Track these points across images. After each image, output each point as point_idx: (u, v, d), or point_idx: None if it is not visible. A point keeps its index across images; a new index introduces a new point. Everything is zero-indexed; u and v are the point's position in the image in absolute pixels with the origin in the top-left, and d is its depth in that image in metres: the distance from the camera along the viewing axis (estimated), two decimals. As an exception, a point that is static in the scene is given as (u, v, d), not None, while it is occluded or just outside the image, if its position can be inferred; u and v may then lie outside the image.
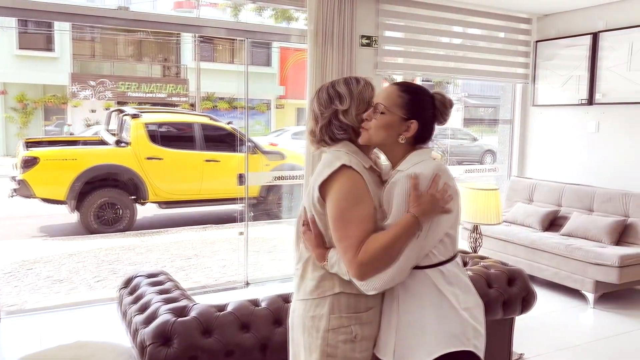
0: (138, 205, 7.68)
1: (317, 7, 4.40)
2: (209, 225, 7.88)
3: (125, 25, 4.17)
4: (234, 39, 4.54)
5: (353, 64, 4.64)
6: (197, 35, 16.87)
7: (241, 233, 4.76)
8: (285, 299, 2.29)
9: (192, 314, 2.10)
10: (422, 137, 1.63)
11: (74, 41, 17.66)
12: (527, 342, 3.60)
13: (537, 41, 5.67)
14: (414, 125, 1.60)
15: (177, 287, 2.47)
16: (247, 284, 4.79)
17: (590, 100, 5.17)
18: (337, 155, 1.63)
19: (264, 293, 2.42)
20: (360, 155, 1.67)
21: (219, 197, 7.83)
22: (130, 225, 7.48)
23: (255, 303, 2.26)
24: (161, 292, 2.34)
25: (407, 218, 1.50)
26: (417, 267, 1.56)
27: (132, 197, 7.57)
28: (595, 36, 5.11)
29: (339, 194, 1.57)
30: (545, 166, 5.69)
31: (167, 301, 2.23)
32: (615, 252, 4.25)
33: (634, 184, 4.83)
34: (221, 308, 2.18)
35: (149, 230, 7.52)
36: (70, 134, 14.80)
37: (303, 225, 1.70)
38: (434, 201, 1.51)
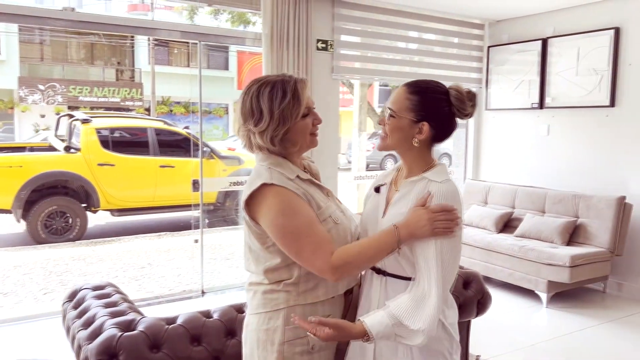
0: (90, 214, 7.42)
1: (271, 10, 4.35)
2: (164, 232, 7.69)
3: (72, 26, 4.00)
4: (188, 42, 4.42)
5: (309, 68, 4.61)
6: (151, 38, 16.52)
7: (196, 241, 4.64)
8: (239, 310, 2.21)
9: (140, 327, 2.00)
10: (438, 137, 1.54)
11: (22, 44, 17.00)
12: (484, 343, 3.63)
13: (489, 46, 5.78)
14: (425, 127, 1.50)
15: (125, 300, 2.35)
16: (203, 292, 4.67)
17: (541, 104, 5.30)
18: (258, 172, 1.55)
19: (219, 302, 2.34)
20: (284, 165, 1.57)
21: (174, 203, 7.65)
22: (82, 234, 7.21)
23: (206, 314, 2.17)
24: (107, 306, 2.23)
25: (391, 231, 1.45)
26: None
27: (83, 205, 7.31)
28: (544, 42, 5.24)
29: (271, 214, 1.50)
30: (499, 169, 5.80)
31: (113, 315, 2.11)
32: (567, 252, 4.35)
33: (583, 185, 4.98)
34: (171, 321, 2.09)
35: (101, 239, 7.27)
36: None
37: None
38: (440, 223, 1.42)
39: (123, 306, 2.23)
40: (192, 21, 13.88)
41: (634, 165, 4.66)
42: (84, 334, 2.04)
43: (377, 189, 1.65)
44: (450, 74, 5.68)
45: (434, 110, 1.51)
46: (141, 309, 4.31)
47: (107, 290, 2.43)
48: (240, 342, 2.10)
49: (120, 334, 1.95)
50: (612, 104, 4.76)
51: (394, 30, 5.30)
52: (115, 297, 2.34)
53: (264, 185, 1.50)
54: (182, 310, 2.26)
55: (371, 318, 1.43)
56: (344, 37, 4.99)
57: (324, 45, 4.83)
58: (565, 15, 5.11)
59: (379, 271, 1.57)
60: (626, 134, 4.71)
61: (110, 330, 1.97)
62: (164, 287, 5.24)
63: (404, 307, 1.41)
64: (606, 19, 4.78)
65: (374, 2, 4.99)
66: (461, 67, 5.79)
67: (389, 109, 1.55)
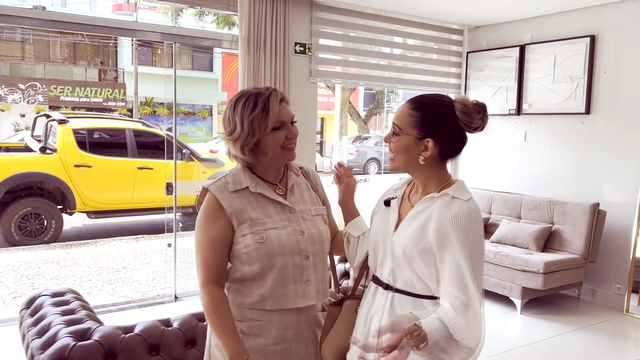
0: (66, 216, 7.30)
1: (249, 12, 4.31)
2: (142, 235, 7.59)
3: (41, 26, 3.93)
4: (170, 43, 4.39)
5: (287, 72, 4.57)
6: (135, 38, 16.37)
7: (170, 245, 4.57)
8: (200, 318, 2.17)
9: (95, 337, 1.95)
10: (447, 153, 1.46)
11: (3, 42, 16.75)
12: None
13: (468, 52, 5.80)
14: (430, 144, 1.43)
15: (84, 307, 2.29)
16: (176, 297, 4.60)
17: (518, 111, 5.32)
18: (214, 177, 1.72)
19: (191, 308, 2.30)
20: (239, 175, 1.61)
21: (153, 205, 7.54)
22: (57, 237, 7.09)
23: (166, 323, 2.12)
24: (64, 313, 2.17)
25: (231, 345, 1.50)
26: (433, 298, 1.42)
27: (59, 207, 7.19)
28: (522, 48, 5.27)
29: (198, 216, 1.62)
30: (476, 174, 5.81)
31: (69, 323, 2.06)
32: (541, 258, 4.36)
33: (559, 192, 5.00)
34: (128, 330, 2.04)
35: (77, 242, 7.15)
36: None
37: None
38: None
39: (81, 314, 2.17)
40: (175, 22, 13.78)
41: (607, 173, 4.69)
42: (37, 342, 1.98)
43: (387, 203, 1.59)
44: (429, 79, 5.68)
45: (439, 126, 1.44)
46: (111, 315, 4.26)
47: (67, 297, 2.37)
48: (199, 352, 2.06)
49: (74, 343, 1.89)
50: (588, 111, 4.79)
51: (372, 35, 5.28)
52: (74, 305, 2.28)
53: (204, 188, 1.62)
54: (152, 316, 2.23)
55: (427, 322, 1.28)
56: (322, 41, 4.97)
57: (302, 49, 4.80)
58: (542, 22, 5.14)
59: (386, 286, 1.49)
60: (601, 142, 4.74)
61: (63, 340, 1.91)
62: (138, 291, 5.16)
63: (452, 317, 1.29)
64: (582, 27, 4.82)
65: (352, 6, 4.98)
66: (440, 73, 5.79)
67: (394, 124, 1.49)
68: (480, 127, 1.46)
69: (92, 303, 4.49)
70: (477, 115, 1.44)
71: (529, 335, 4.07)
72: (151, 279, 5.55)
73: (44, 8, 3.80)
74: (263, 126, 1.55)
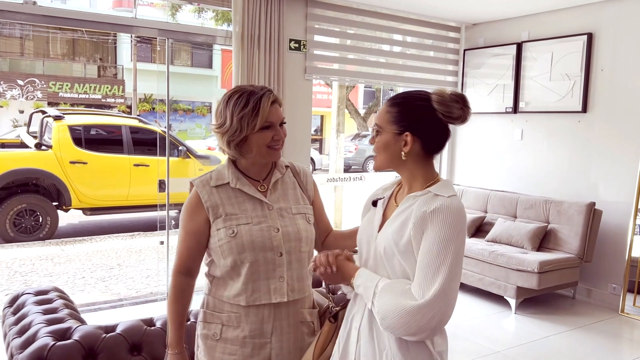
0: (62, 212, 7.28)
1: (242, 8, 4.27)
2: (137, 232, 7.56)
3: (34, 21, 3.88)
4: (163, 39, 4.35)
5: (281, 68, 4.54)
6: (133, 35, 16.32)
7: (162, 242, 4.54)
8: (184, 317, 2.13)
9: (75, 336, 1.91)
10: (429, 147, 1.43)
11: (2, 38, 16.72)
12: (450, 350, 3.57)
13: (465, 50, 5.76)
14: (409, 138, 1.41)
15: (68, 306, 2.26)
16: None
17: (515, 109, 5.28)
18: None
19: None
20: (222, 171, 1.68)
21: (148, 202, 7.51)
22: (52, 234, 7.06)
23: (149, 323, 2.09)
24: (46, 312, 2.13)
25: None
26: None
27: (54, 204, 7.16)
28: (519, 46, 5.22)
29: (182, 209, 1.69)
30: (473, 173, 5.78)
31: (50, 322, 2.02)
32: (536, 258, 4.33)
33: (555, 191, 4.97)
34: (110, 329, 2.00)
35: (72, 239, 7.13)
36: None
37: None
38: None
39: (62, 313, 2.14)
40: (174, 19, 13.73)
41: (603, 172, 4.65)
42: (17, 341, 1.95)
43: (374, 203, 1.57)
44: (426, 77, 5.64)
45: (416, 119, 1.42)
46: (102, 313, 4.24)
47: (50, 295, 2.34)
48: (182, 351, 2.02)
49: (53, 343, 1.86)
50: (585, 109, 4.75)
51: (369, 32, 5.24)
52: (57, 303, 2.25)
53: (190, 182, 1.69)
54: (143, 315, 2.21)
55: (369, 273, 1.43)
56: (317, 37, 4.93)
57: (296, 45, 4.76)
58: (540, 19, 5.09)
59: None
60: (597, 140, 4.70)
61: (43, 339, 1.88)
62: (132, 289, 5.14)
63: (389, 282, 1.37)
64: (580, 25, 4.77)
65: (348, 3, 4.94)
66: (437, 70, 5.75)
67: (375, 124, 1.49)
68: (461, 118, 1.41)
69: (84, 301, 4.50)
70: (455, 105, 1.40)
71: (524, 335, 4.04)
72: (145, 277, 5.52)
73: (34, 3, 3.76)
74: (251, 125, 1.58)
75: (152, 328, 2.06)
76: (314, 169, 15.27)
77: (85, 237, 7.24)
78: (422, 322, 1.28)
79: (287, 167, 1.78)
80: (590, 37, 4.68)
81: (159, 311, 2.18)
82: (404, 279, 1.38)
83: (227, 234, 1.59)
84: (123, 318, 2.17)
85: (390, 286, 1.35)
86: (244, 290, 1.60)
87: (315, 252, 1.81)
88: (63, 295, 2.41)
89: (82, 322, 2.12)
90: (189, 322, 2.13)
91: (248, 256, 1.59)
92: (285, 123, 1.68)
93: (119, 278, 5.47)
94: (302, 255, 1.67)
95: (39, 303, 2.25)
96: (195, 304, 1.77)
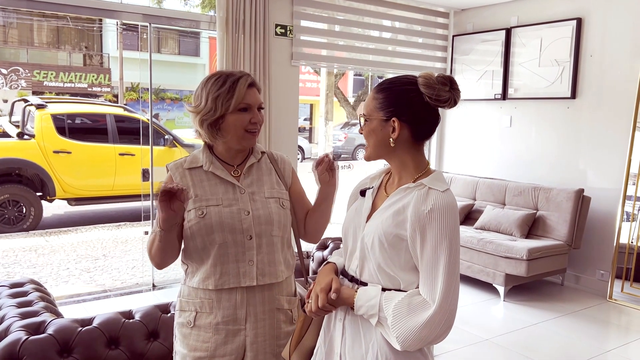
0: (46, 203, 7.15)
1: (226, -8, 4.16)
2: (124, 223, 7.46)
3: (15, 6, 3.77)
4: (145, 25, 4.22)
5: (267, 54, 4.45)
6: (119, 22, 16.05)
7: (146, 232, 4.46)
8: (164, 310, 2.08)
9: (49, 330, 1.85)
10: (418, 133, 1.38)
11: (-16, 26, 16.39)
12: (437, 338, 3.56)
13: (454, 35, 5.69)
14: (396, 123, 1.36)
15: (44, 299, 2.19)
16: (154, 286, 4.50)
17: (504, 95, 5.24)
18: None
19: (169, 297, 2.21)
20: (199, 154, 1.67)
21: (134, 192, 7.40)
22: (36, 224, 6.94)
23: (127, 315, 2.03)
24: (20, 306, 2.06)
25: None
26: None
27: (38, 194, 7.03)
28: (508, 32, 5.17)
29: None
30: (462, 160, 5.74)
31: (24, 316, 1.96)
32: (524, 245, 4.31)
33: (544, 177, 4.94)
34: (86, 322, 1.94)
35: (57, 230, 7.01)
36: None
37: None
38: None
39: (37, 306, 2.07)
40: (160, 6, 13.52)
41: (592, 158, 4.63)
42: (-11, 336, 1.87)
43: (362, 193, 1.52)
44: (414, 63, 5.58)
45: (403, 104, 1.36)
46: (85, 304, 4.15)
47: (26, 288, 2.27)
48: (162, 345, 1.97)
49: (26, 337, 1.80)
50: (573, 95, 4.71)
51: (356, 17, 5.16)
52: (32, 296, 2.18)
53: (166, 166, 1.69)
54: (127, 306, 2.15)
55: (366, 290, 1.36)
56: (304, 23, 4.84)
57: (282, 31, 4.67)
58: (529, 4, 5.03)
59: (351, 279, 1.44)
60: (586, 127, 4.67)
61: (16, 334, 1.82)
62: (117, 280, 5.05)
63: (397, 303, 1.30)
64: (569, 10, 4.72)
65: (335, -13, 4.85)
66: (426, 56, 5.68)
67: (362, 114, 1.44)
68: (450, 100, 1.36)
69: (66, 292, 4.42)
70: (442, 87, 1.34)
71: (512, 323, 4.02)
72: (131, 267, 5.44)
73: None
74: (226, 104, 1.58)
75: (131, 321, 2.00)
76: (303, 158, 15.19)
77: (70, 228, 7.13)
78: (437, 328, 1.31)
79: (263, 152, 1.76)
80: (579, 22, 4.63)
81: (144, 302, 2.11)
82: (402, 292, 1.34)
83: (196, 214, 1.58)
84: (107, 310, 2.10)
85: (399, 308, 1.31)
86: (213, 272, 1.58)
87: (295, 240, 1.77)
88: (39, 288, 2.33)
89: (59, 315, 2.05)
90: (169, 314, 2.08)
91: (217, 237, 1.57)
92: (263, 109, 1.66)
93: (104, 269, 5.39)
94: (273, 239, 1.64)
95: (14, 296, 2.18)
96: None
